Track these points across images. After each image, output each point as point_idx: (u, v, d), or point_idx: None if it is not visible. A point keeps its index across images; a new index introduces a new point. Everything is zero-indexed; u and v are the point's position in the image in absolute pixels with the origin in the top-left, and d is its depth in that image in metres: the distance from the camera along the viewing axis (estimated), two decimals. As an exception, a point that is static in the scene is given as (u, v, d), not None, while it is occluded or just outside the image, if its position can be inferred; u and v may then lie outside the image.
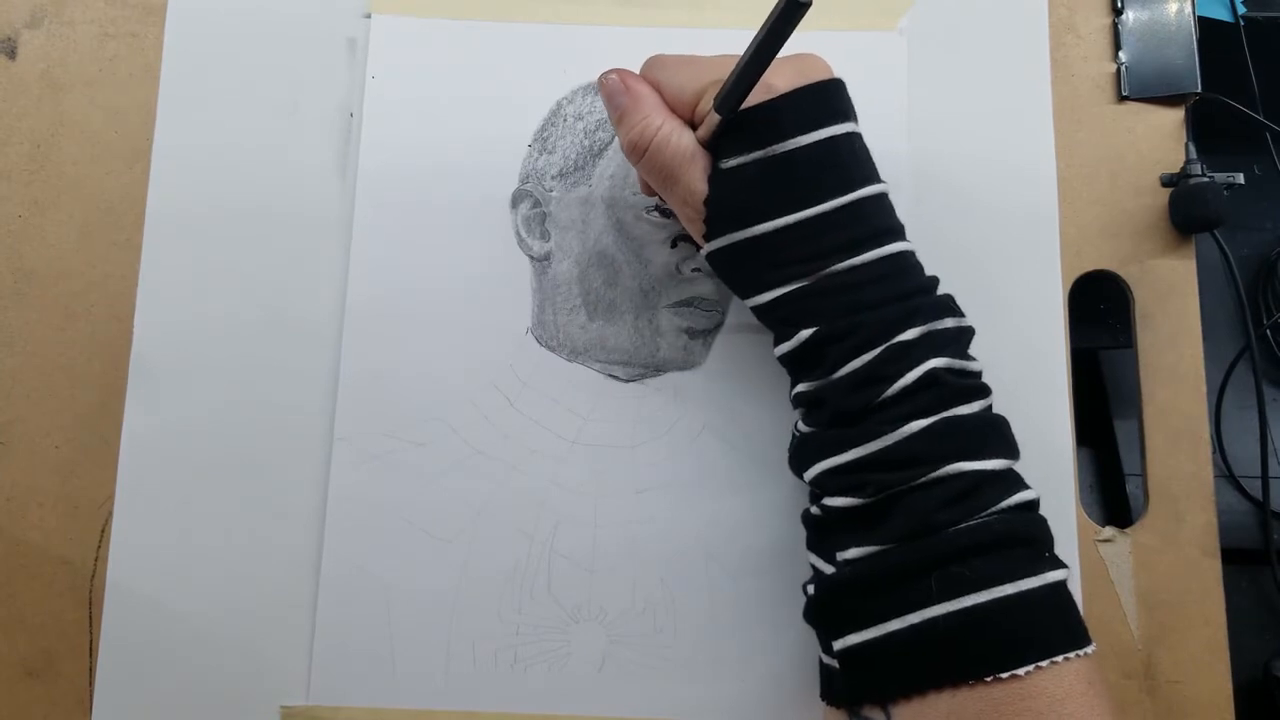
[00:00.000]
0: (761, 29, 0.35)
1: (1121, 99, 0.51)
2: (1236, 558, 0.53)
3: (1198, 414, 0.49)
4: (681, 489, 0.48)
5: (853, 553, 0.38)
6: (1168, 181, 0.50)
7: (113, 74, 0.51)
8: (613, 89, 0.43)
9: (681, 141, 0.41)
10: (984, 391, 0.40)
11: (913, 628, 0.36)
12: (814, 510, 0.41)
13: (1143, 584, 0.47)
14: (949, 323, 0.40)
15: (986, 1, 0.52)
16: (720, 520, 0.48)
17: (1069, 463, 0.48)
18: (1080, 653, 0.36)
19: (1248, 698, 0.51)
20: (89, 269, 0.50)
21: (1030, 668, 0.35)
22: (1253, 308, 0.60)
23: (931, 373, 0.38)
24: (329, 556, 0.47)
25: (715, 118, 0.40)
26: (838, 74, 0.42)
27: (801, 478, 0.42)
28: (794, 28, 0.34)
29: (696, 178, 0.41)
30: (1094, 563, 0.47)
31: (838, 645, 0.38)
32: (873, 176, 0.41)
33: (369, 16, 0.51)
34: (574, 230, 0.50)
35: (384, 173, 0.50)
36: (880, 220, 0.41)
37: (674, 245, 0.49)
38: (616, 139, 0.50)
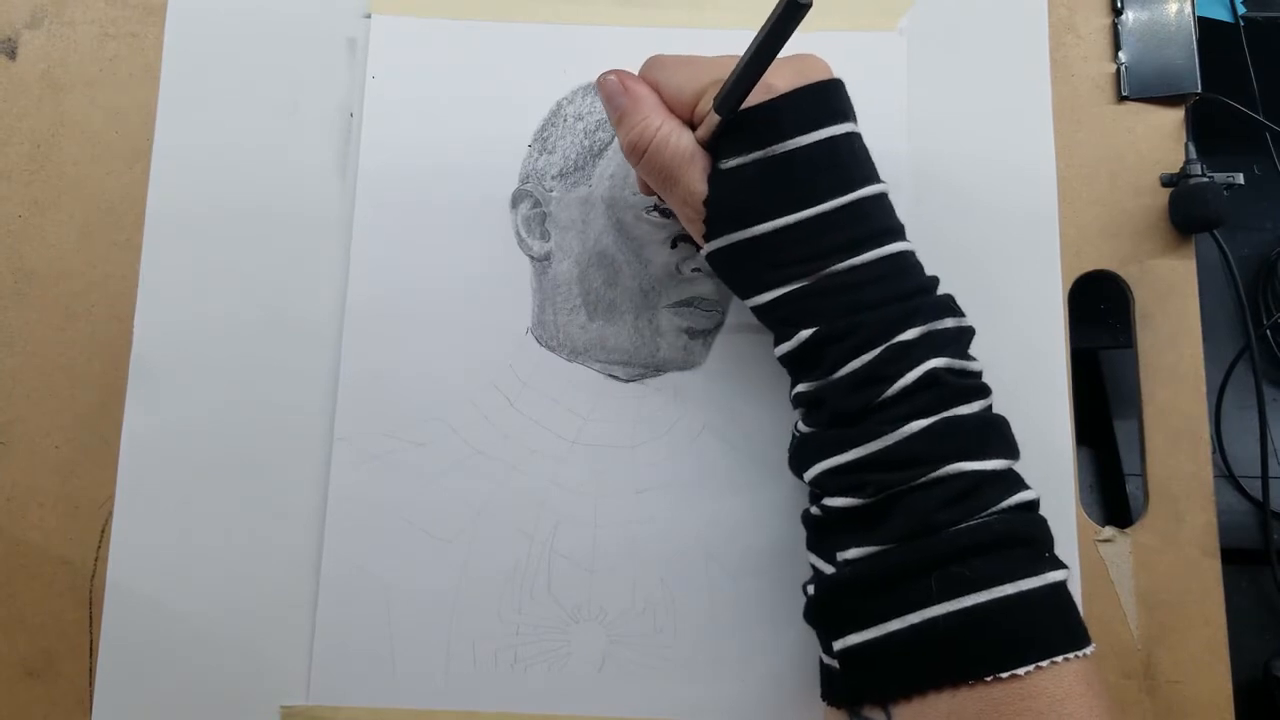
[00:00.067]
0: (762, 30, 0.35)
1: (1121, 99, 0.51)
2: (1236, 558, 0.53)
3: (1198, 414, 0.49)
4: (681, 489, 0.48)
5: (853, 553, 0.38)
6: (1168, 181, 0.50)
7: (113, 74, 0.51)
8: (611, 90, 0.43)
9: (681, 142, 0.41)
10: (984, 391, 0.40)
11: (913, 628, 0.36)
12: (814, 510, 0.41)
13: (1143, 584, 0.47)
14: (949, 323, 0.40)
15: (986, 1, 0.52)
16: (720, 520, 0.48)
17: (1069, 463, 0.48)
18: (1080, 653, 0.36)
19: (1248, 698, 0.52)
20: (89, 269, 0.50)
21: (1030, 668, 0.35)
22: (1253, 308, 0.60)
23: (931, 373, 0.38)
24: (329, 556, 0.47)
25: (715, 118, 0.40)
26: (838, 74, 0.42)
27: (801, 478, 0.42)
28: (794, 28, 0.34)
29: (696, 178, 0.41)
30: (1094, 563, 0.47)
31: (838, 645, 0.38)
32: (872, 176, 0.41)
33: (369, 16, 0.51)
34: (574, 230, 0.50)
35: (384, 173, 0.50)
36: (880, 220, 0.41)
37: (674, 245, 0.49)
38: (616, 139, 0.50)
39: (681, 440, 0.48)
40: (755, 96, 0.39)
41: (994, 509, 0.37)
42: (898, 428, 0.38)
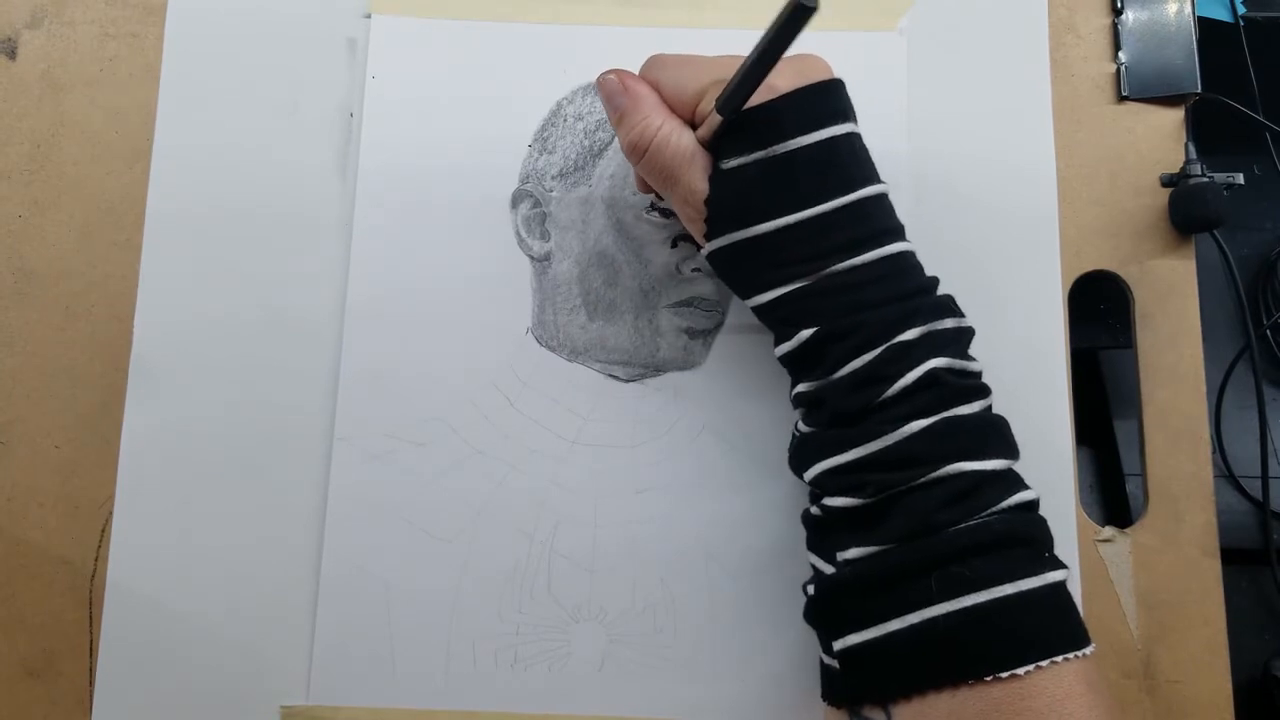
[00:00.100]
0: (768, 31, 0.35)
1: (1121, 99, 0.51)
2: (1236, 558, 0.53)
3: (1198, 414, 0.49)
4: (681, 489, 0.48)
5: (853, 553, 0.38)
6: (1167, 181, 0.50)
7: (113, 74, 0.51)
8: (611, 89, 0.43)
9: (682, 141, 0.41)
10: (984, 392, 0.40)
11: (913, 628, 0.36)
12: (814, 510, 0.41)
13: (1142, 584, 0.47)
14: (949, 323, 0.40)
15: (986, 1, 0.52)
16: (720, 520, 0.48)
17: (1069, 463, 0.48)
18: (1080, 653, 0.36)
19: (1247, 698, 0.52)
20: (89, 269, 0.50)
21: (1030, 667, 0.35)
22: (1253, 308, 0.60)
23: (932, 373, 0.38)
24: (329, 556, 0.47)
25: (717, 118, 0.40)
26: (837, 74, 0.42)
27: (801, 478, 0.42)
28: (800, 30, 0.34)
29: (697, 178, 0.41)
30: (1094, 563, 0.47)
31: (838, 645, 0.38)
32: (873, 177, 0.41)
33: (369, 16, 0.51)
34: (574, 230, 0.50)
35: (384, 173, 0.50)
36: (881, 220, 0.41)
37: (674, 245, 0.49)
38: (616, 139, 0.50)
39: (681, 440, 0.48)
40: (757, 96, 0.39)
41: (994, 509, 0.37)
42: (898, 427, 0.38)
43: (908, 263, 0.41)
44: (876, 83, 0.50)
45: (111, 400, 0.49)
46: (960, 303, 0.41)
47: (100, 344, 0.49)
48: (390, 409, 0.48)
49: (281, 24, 0.51)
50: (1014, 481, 0.39)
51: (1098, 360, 0.59)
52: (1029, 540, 0.38)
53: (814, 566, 0.41)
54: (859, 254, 0.39)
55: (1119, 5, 0.52)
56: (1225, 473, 0.57)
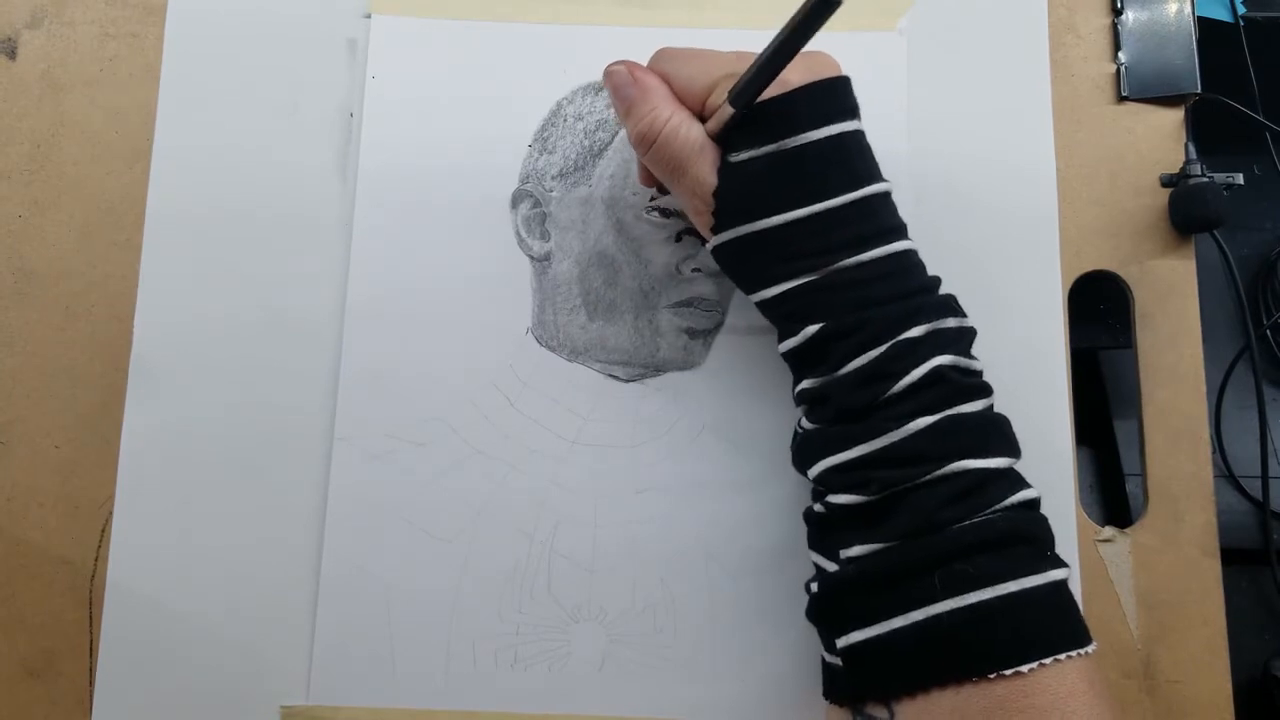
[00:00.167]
0: (787, 25, 0.35)
1: (1121, 99, 0.51)
2: (1236, 558, 0.53)
3: (1198, 414, 0.49)
4: (681, 489, 0.48)
5: (856, 550, 0.38)
6: (1167, 182, 0.50)
7: (113, 74, 0.51)
8: (620, 80, 0.43)
9: (691, 134, 0.41)
10: (986, 390, 0.40)
11: (916, 625, 0.36)
12: (817, 508, 0.41)
13: (1142, 584, 0.47)
14: (952, 322, 0.40)
15: (986, 1, 0.52)
16: (720, 520, 0.48)
17: (1069, 463, 0.48)
18: (1082, 651, 0.36)
19: (1247, 698, 0.52)
20: (89, 269, 0.50)
21: (1034, 665, 0.35)
22: (1253, 308, 0.60)
23: (937, 370, 0.38)
24: (329, 556, 0.47)
25: (727, 111, 0.40)
26: (840, 73, 0.42)
27: (805, 475, 0.42)
28: (821, 25, 0.34)
29: (706, 170, 0.41)
30: (1094, 563, 0.47)
31: (841, 643, 0.38)
32: (877, 174, 0.41)
33: (369, 17, 0.51)
34: (574, 230, 0.50)
35: (384, 173, 0.50)
36: (886, 218, 0.41)
37: (679, 239, 0.49)
38: (616, 139, 0.50)
39: (681, 440, 0.48)
40: (768, 90, 0.39)
41: (997, 507, 0.37)
42: (903, 424, 0.38)
43: (911, 261, 0.41)
44: (876, 83, 0.50)
45: (111, 400, 0.49)
46: (960, 303, 0.41)
47: (100, 344, 0.49)
48: (390, 409, 0.48)
49: (281, 24, 0.51)
50: (1016, 480, 0.39)
51: (1098, 360, 0.59)
52: (1032, 538, 0.38)
53: (817, 564, 0.41)
54: (865, 250, 0.39)
55: (1119, 5, 0.52)
56: (1225, 473, 0.57)
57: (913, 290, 0.40)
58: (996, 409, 0.40)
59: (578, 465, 0.48)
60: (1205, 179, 0.49)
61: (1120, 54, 0.52)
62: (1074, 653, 0.36)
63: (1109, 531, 0.48)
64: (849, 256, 0.39)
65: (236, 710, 0.47)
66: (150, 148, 0.50)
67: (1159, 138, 0.51)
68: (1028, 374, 0.48)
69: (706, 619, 0.47)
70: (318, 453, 0.48)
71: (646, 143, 0.42)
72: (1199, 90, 0.51)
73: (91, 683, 0.47)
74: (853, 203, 0.40)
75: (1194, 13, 0.52)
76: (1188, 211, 0.49)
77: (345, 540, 0.47)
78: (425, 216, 0.50)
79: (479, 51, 0.51)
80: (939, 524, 0.37)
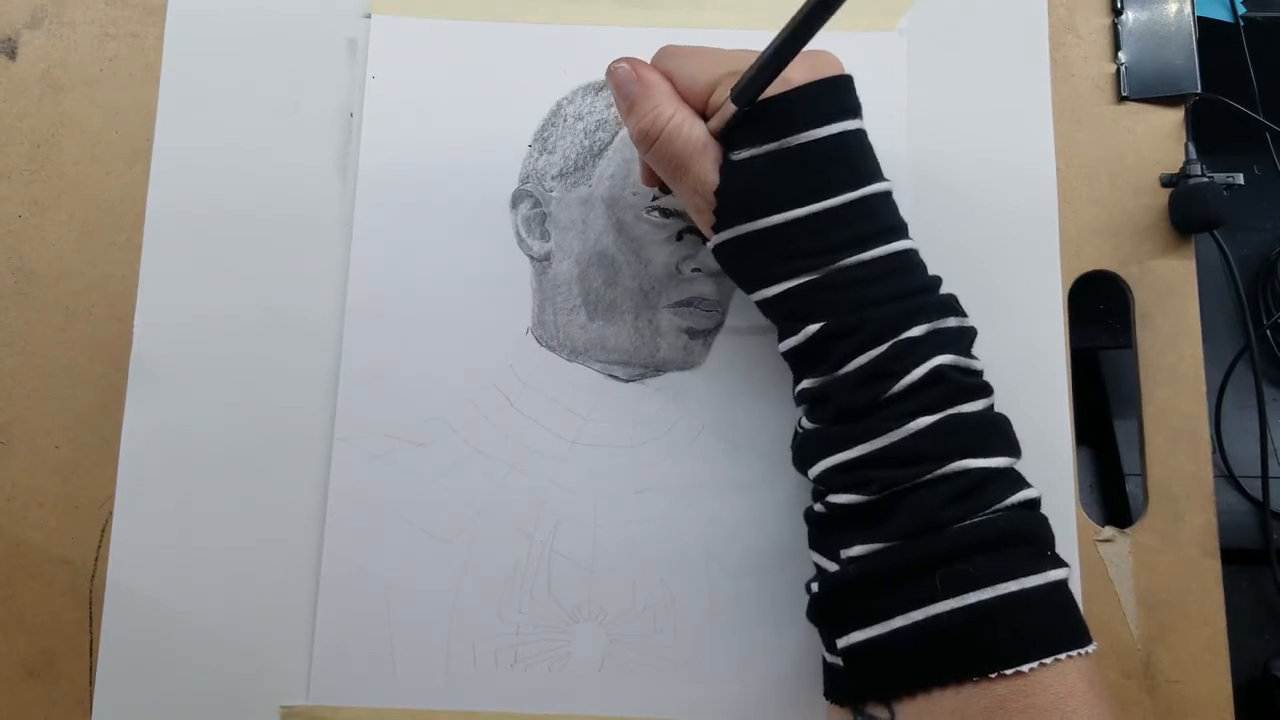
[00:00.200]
0: (790, 23, 0.35)
1: (1121, 99, 0.51)
2: (1236, 558, 0.53)
3: (1198, 414, 0.49)
4: (681, 489, 0.48)
5: (857, 550, 0.38)
6: (1167, 182, 0.50)
7: (113, 74, 0.51)
8: (623, 77, 0.43)
9: (693, 131, 0.41)
10: (987, 390, 0.40)
11: (917, 624, 0.36)
12: (817, 508, 0.41)
13: (1142, 584, 0.47)
14: (952, 322, 0.40)
15: (986, 1, 0.52)
16: (720, 520, 0.48)
17: (1069, 463, 0.48)
18: (1082, 651, 0.36)
19: (1247, 698, 0.52)
20: (89, 269, 0.50)
21: (1034, 665, 0.35)
22: (1253, 308, 0.60)
23: (937, 369, 0.38)
24: (329, 556, 0.47)
25: (730, 109, 0.40)
26: (841, 73, 0.42)
27: (805, 475, 0.42)
28: (823, 23, 0.34)
29: (708, 168, 0.41)
30: (1094, 562, 0.47)
31: (842, 643, 0.38)
32: (878, 174, 0.41)
33: (369, 16, 0.51)
34: (574, 230, 0.50)
35: (384, 173, 0.50)
36: (886, 218, 0.41)
37: (680, 238, 0.49)
38: (616, 139, 0.50)
39: (681, 440, 0.48)
40: (771, 88, 0.39)
41: (997, 506, 0.37)
42: (903, 424, 0.38)
43: (912, 260, 0.41)
44: (876, 83, 0.50)
45: (111, 400, 0.49)
46: (961, 303, 0.41)
47: (100, 344, 0.49)
48: (390, 409, 0.48)
49: (281, 24, 0.51)
50: (1016, 479, 0.39)
51: (1098, 360, 0.59)
52: (1032, 538, 0.38)
53: (817, 564, 0.41)
54: (866, 250, 0.39)
55: (1119, 5, 0.52)
56: (1225, 473, 0.57)
57: (913, 290, 0.40)
58: (997, 409, 0.40)
59: (578, 465, 0.48)
60: (1205, 179, 0.49)
61: (1120, 54, 0.52)
62: (1074, 652, 0.36)
63: (1109, 531, 0.48)
64: (850, 255, 0.39)
65: (236, 710, 0.47)
66: (150, 148, 0.50)
67: (1159, 138, 0.51)
68: (1028, 374, 0.48)
69: (706, 619, 0.47)
70: (318, 453, 0.48)
71: (648, 140, 0.42)
72: (1199, 90, 0.51)
73: (91, 683, 0.47)
74: (854, 202, 0.40)
75: (1194, 13, 0.52)
76: (1188, 211, 0.49)
77: (345, 540, 0.47)
78: (425, 216, 0.50)
79: (479, 51, 0.51)
80: (939, 524, 0.37)
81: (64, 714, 0.47)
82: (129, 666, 0.47)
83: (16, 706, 0.47)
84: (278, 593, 0.47)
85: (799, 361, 0.42)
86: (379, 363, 0.48)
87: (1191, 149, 0.50)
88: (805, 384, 0.41)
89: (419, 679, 0.47)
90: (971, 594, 0.36)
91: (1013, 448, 0.39)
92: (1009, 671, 0.35)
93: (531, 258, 0.50)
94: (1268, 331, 0.60)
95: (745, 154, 0.40)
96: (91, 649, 0.47)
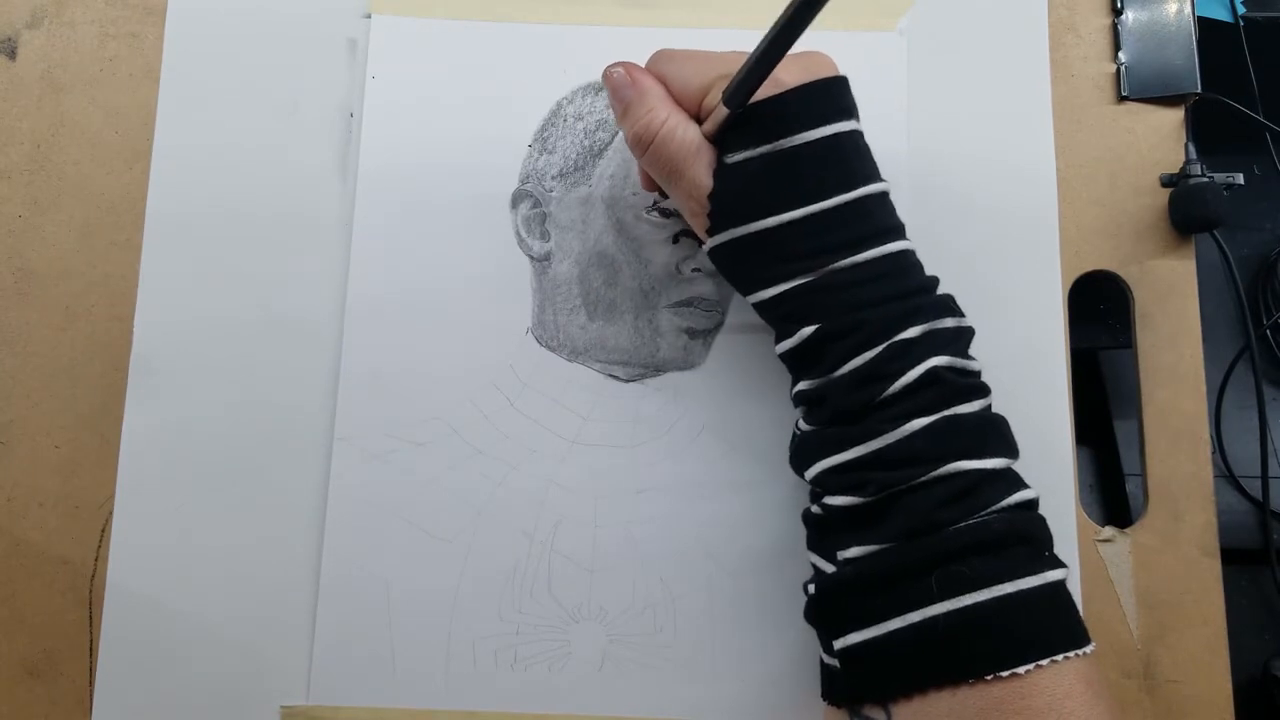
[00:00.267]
0: (776, 23, 0.35)
1: (1121, 99, 0.51)
2: (1236, 558, 0.53)
3: (1198, 414, 0.49)
4: (681, 489, 0.48)
5: (854, 551, 0.38)
6: (1167, 182, 0.50)
7: (113, 74, 0.51)
8: (618, 82, 0.43)
9: (687, 135, 0.41)
10: (984, 391, 0.40)
11: (913, 626, 0.36)
12: (814, 509, 0.41)
13: (1142, 584, 0.47)
14: (949, 322, 0.40)
15: (986, 1, 0.52)
16: (720, 520, 0.48)
17: (1069, 463, 0.48)
18: (1080, 652, 0.36)
19: (1247, 698, 0.52)
20: (89, 269, 0.50)
21: (1030, 666, 0.35)
22: (1252, 308, 0.60)
23: (933, 371, 0.38)
24: (329, 556, 0.47)
25: (723, 111, 0.39)
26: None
27: (802, 476, 0.42)
28: (810, 21, 0.34)
29: (702, 172, 0.41)
30: (1093, 562, 0.47)
31: (838, 644, 0.38)
32: (874, 175, 0.41)
33: (369, 16, 0.51)
34: (574, 230, 0.50)
35: (384, 173, 0.50)
36: (882, 219, 0.41)
37: (676, 241, 0.49)
38: (616, 139, 0.50)
39: (681, 440, 0.48)
40: (763, 91, 0.39)
41: (994, 507, 0.37)
42: (899, 425, 0.38)
43: (908, 261, 0.41)
44: (876, 83, 0.50)
45: (111, 400, 0.49)
46: (960, 303, 0.41)
47: (100, 344, 0.49)
48: (390, 409, 0.48)
49: (281, 24, 0.51)
50: (1014, 480, 0.39)
51: (1098, 360, 0.59)
52: (1029, 539, 0.38)
53: (814, 566, 0.41)
54: (861, 251, 0.39)
55: (1119, 5, 0.52)
56: (1225, 473, 0.57)
57: (909, 290, 0.40)
58: (996, 409, 0.40)
59: (578, 465, 0.48)
60: (1205, 179, 0.49)
61: (1120, 54, 0.52)
62: (1071, 653, 0.35)
63: (1109, 531, 0.48)
64: (844, 257, 0.39)
65: (236, 710, 0.47)
66: (150, 148, 0.50)
67: (1159, 138, 0.51)
68: (1028, 374, 0.48)
69: (706, 619, 0.47)
70: (318, 453, 0.48)
71: (643, 144, 0.42)
72: (1199, 90, 0.51)
73: (91, 683, 0.47)
74: (848, 203, 0.40)
75: (1194, 13, 0.52)
76: (1188, 211, 0.49)
77: (345, 540, 0.47)
78: (425, 216, 0.50)
79: (479, 51, 0.51)
80: (936, 525, 0.37)
81: (64, 714, 0.47)
82: (129, 666, 0.47)
83: (16, 706, 0.47)
84: (278, 593, 0.47)
85: (795, 363, 0.42)
86: (379, 363, 0.48)
87: (1191, 149, 0.50)
88: (802, 386, 0.41)
89: (419, 679, 0.47)
90: (967, 596, 0.36)
91: (1010, 448, 0.39)
92: (1005, 673, 0.35)
93: (531, 258, 0.50)
94: (1268, 331, 0.60)
95: (739, 157, 0.40)
96: (91, 649, 0.47)
